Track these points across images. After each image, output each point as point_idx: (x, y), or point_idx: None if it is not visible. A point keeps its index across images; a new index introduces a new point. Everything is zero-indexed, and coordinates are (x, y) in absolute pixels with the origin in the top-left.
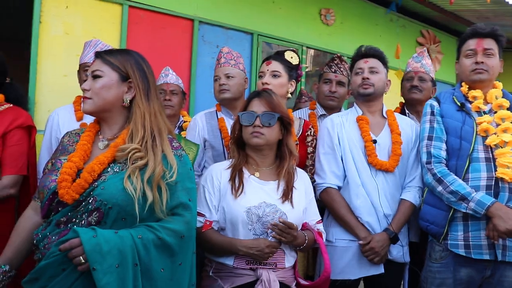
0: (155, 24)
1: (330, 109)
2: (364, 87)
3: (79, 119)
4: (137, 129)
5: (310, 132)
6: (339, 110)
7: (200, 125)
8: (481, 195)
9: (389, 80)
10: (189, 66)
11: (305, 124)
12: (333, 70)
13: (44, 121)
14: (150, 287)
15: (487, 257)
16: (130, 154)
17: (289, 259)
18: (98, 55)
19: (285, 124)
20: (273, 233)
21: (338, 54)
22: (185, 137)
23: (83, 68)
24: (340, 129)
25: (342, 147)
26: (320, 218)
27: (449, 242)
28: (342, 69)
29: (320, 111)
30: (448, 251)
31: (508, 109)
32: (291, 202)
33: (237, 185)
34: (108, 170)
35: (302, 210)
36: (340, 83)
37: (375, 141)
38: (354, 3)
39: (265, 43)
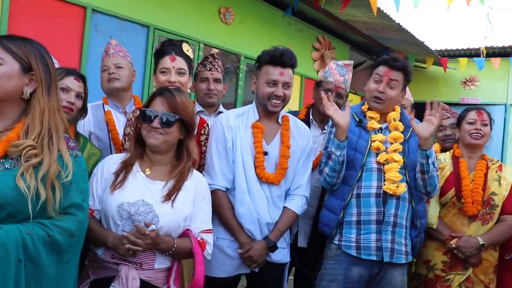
0: (43, 8)
1: (209, 106)
2: (275, 105)
3: None
4: (34, 124)
5: (205, 131)
6: (218, 107)
7: (86, 118)
8: (330, 144)
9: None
10: (80, 56)
11: (200, 122)
12: (208, 68)
13: None
14: (35, 283)
15: (374, 258)
16: (24, 151)
17: (161, 260)
18: None
19: (186, 125)
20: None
21: (211, 52)
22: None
23: None
24: (235, 134)
25: (234, 152)
26: (210, 228)
27: (343, 243)
28: (216, 66)
29: (198, 107)
30: (341, 251)
31: (402, 131)
32: (172, 203)
33: (119, 179)
34: None
35: (185, 215)
36: (216, 80)
37: (266, 153)
38: (253, 4)
39: (162, 37)
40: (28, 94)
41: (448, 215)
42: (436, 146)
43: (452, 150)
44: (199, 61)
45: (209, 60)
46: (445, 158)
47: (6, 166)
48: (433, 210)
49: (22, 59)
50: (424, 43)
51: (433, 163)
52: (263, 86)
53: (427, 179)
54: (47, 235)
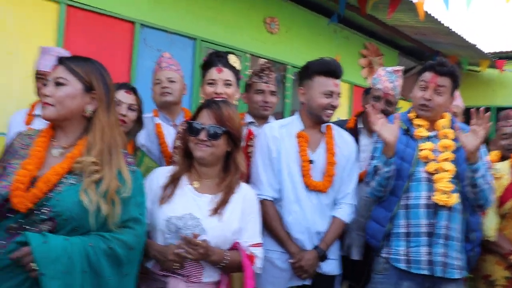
0: (94, 25)
1: (262, 118)
2: (329, 115)
3: (28, 123)
4: (95, 141)
5: (252, 142)
6: (268, 118)
7: None
8: (378, 159)
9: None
10: (129, 70)
11: (248, 134)
12: (264, 80)
13: None
14: None
15: (425, 272)
16: (87, 167)
17: (209, 274)
18: (62, 61)
19: (233, 138)
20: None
21: (267, 64)
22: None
23: (40, 76)
24: (279, 144)
25: (279, 162)
26: (260, 241)
27: (391, 256)
28: (272, 79)
29: (249, 118)
30: (389, 264)
31: (453, 139)
32: (220, 217)
33: (168, 193)
34: (63, 181)
35: (233, 228)
36: (272, 93)
37: (311, 161)
38: (298, 12)
39: (208, 49)
40: (90, 112)
41: (508, 227)
42: (496, 154)
43: (510, 159)
44: (252, 71)
45: (265, 72)
46: (503, 167)
47: (70, 182)
48: (490, 222)
49: (85, 80)
50: (476, 46)
51: (483, 176)
52: (319, 97)
53: (477, 192)
54: (108, 247)
